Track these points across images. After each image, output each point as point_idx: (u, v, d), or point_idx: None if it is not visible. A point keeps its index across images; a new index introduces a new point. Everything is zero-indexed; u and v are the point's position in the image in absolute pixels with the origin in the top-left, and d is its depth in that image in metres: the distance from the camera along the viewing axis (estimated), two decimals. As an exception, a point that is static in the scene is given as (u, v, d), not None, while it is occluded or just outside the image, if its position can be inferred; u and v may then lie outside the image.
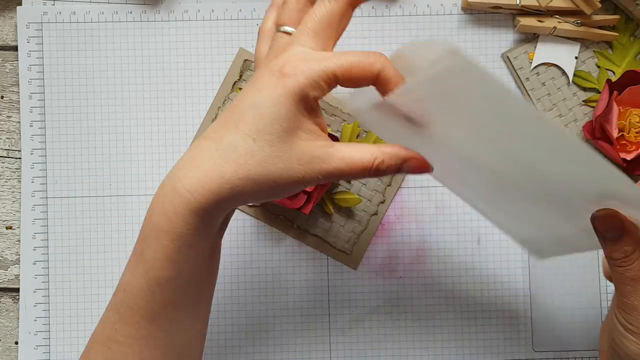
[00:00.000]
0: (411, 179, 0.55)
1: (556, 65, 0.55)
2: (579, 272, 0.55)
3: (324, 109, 0.54)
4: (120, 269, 0.55)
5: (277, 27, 0.41)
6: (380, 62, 0.37)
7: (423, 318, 0.55)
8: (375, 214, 0.55)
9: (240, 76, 0.55)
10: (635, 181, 0.55)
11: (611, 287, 0.55)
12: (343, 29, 0.41)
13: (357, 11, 0.55)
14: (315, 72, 0.36)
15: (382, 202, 0.55)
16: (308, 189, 0.51)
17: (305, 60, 0.37)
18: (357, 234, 0.55)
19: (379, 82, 0.38)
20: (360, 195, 0.54)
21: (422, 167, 0.39)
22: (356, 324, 0.55)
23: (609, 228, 0.37)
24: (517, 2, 0.53)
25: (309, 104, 0.37)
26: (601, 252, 0.56)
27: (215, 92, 0.55)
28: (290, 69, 0.36)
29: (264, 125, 0.36)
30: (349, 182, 0.54)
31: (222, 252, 0.55)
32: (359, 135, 0.54)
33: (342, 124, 0.54)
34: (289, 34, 0.40)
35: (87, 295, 0.55)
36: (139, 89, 0.55)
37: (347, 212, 0.55)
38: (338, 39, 0.40)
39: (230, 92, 0.55)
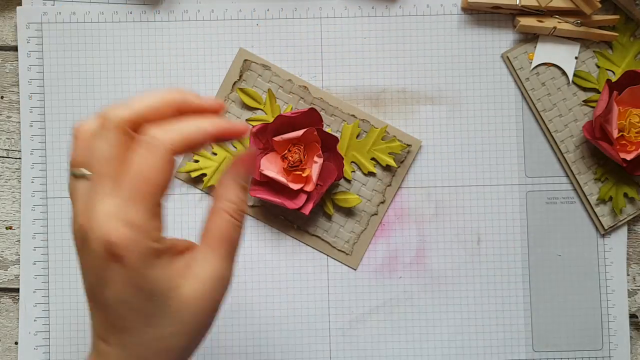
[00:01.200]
0: (411, 179, 0.55)
1: (556, 66, 0.55)
2: (579, 272, 0.55)
3: (323, 109, 0.54)
4: (120, 269, 0.55)
5: (73, 170, 0.33)
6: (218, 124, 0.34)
7: (423, 318, 0.55)
8: (375, 214, 0.55)
9: (240, 76, 0.55)
10: (636, 181, 0.56)
11: (611, 287, 0.55)
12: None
13: (357, 11, 0.55)
14: (142, 231, 0.32)
15: (382, 202, 0.55)
16: (307, 189, 0.51)
17: (119, 224, 0.31)
18: (357, 234, 0.55)
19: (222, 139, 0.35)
20: (360, 196, 0.54)
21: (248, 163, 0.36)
22: (356, 324, 0.55)
23: None
24: (517, 2, 0.53)
25: (156, 250, 0.33)
26: (601, 253, 0.57)
27: (215, 92, 0.55)
28: (117, 248, 0.31)
29: (145, 310, 0.33)
30: (348, 182, 0.54)
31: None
32: (359, 135, 0.54)
33: (342, 124, 0.54)
34: (86, 178, 0.33)
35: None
36: (139, 89, 0.55)
37: (347, 212, 0.55)
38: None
39: (230, 92, 0.55)
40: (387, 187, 0.54)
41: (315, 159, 0.52)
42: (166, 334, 0.33)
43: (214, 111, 0.35)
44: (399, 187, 0.55)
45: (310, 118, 0.51)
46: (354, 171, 0.54)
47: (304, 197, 0.52)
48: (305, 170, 0.52)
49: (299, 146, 0.52)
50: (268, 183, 0.52)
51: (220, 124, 0.34)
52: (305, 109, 0.51)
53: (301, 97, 0.55)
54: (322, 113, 0.54)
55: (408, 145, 0.54)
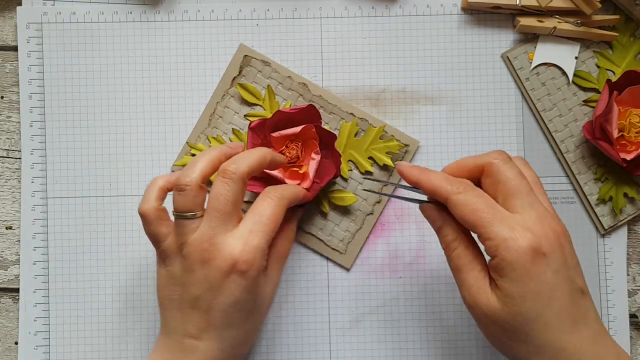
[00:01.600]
0: (411, 179, 0.55)
1: (556, 65, 0.55)
2: (579, 272, 0.55)
3: (322, 107, 0.54)
4: (119, 268, 0.55)
5: (180, 214, 0.44)
6: (270, 155, 0.47)
7: (423, 318, 0.55)
8: (371, 213, 0.55)
9: (240, 72, 0.55)
10: (636, 181, 0.56)
11: (611, 287, 0.55)
12: (244, 198, 0.46)
13: (357, 11, 0.55)
14: (261, 249, 0.43)
15: (378, 202, 0.55)
16: (304, 186, 0.51)
17: (245, 245, 0.43)
18: (352, 233, 0.55)
19: (270, 168, 0.49)
20: (356, 194, 0.54)
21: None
22: (356, 324, 0.55)
23: (429, 219, 0.45)
24: (517, 2, 0.54)
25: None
26: (601, 253, 0.57)
27: (214, 91, 0.55)
28: (243, 264, 0.43)
29: (247, 311, 0.45)
30: (345, 180, 0.54)
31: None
32: (357, 134, 0.54)
33: (341, 122, 0.54)
34: (197, 218, 0.44)
35: (87, 296, 0.55)
36: (139, 89, 0.55)
37: (343, 211, 0.55)
38: (242, 206, 0.46)
39: (230, 87, 0.55)
40: (383, 187, 0.54)
41: (313, 155, 0.52)
42: (253, 326, 0.46)
43: (240, 152, 0.48)
44: (395, 188, 0.55)
45: (309, 114, 0.51)
46: (351, 170, 0.54)
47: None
48: (303, 167, 0.52)
49: (296, 142, 0.52)
50: (265, 179, 0.52)
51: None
52: (304, 105, 0.51)
53: (300, 94, 0.55)
54: (320, 110, 0.54)
55: (406, 145, 0.54)
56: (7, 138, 0.56)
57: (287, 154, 0.52)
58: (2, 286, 0.55)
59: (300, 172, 0.52)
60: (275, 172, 0.51)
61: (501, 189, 0.41)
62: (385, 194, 0.52)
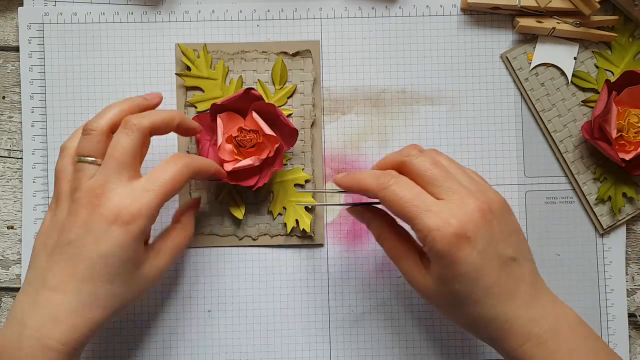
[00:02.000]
0: (411, 179, 0.55)
1: (555, 66, 0.55)
2: (578, 272, 0.55)
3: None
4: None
5: (79, 157, 0.44)
6: (179, 117, 0.47)
7: (423, 318, 0.55)
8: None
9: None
10: (634, 181, 0.56)
11: (610, 286, 0.55)
12: (145, 154, 0.47)
13: (357, 11, 0.55)
14: (151, 207, 0.43)
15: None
16: (275, 145, 0.51)
17: (135, 200, 0.42)
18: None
19: (180, 131, 0.48)
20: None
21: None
22: (356, 324, 0.55)
23: (357, 219, 0.50)
24: (517, 3, 0.54)
25: (148, 233, 0.45)
26: (600, 252, 0.57)
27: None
28: (127, 215, 0.42)
29: (115, 270, 0.43)
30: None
31: (221, 250, 0.55)
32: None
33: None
34: (97, 164, 0.44)
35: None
36: (139, 89, 0.55)
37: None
38: (142, 162, 0.46)
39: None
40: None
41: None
42: (116, 292, 0.43)
43: (157, 104, 0.49)
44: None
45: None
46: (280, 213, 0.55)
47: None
48: (259, 138, 0.52)
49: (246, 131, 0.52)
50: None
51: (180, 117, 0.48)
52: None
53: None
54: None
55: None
56: (9, 138, 0.56)
57: (242, 140, 0.51)
58: (4, 285, 0.55)
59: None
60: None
61: (420, 182, 0.43)
62: (337, 204, 0.53)
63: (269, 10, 0.56)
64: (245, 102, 0.51)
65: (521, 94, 0.56)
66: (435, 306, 0.45)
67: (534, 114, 0.55)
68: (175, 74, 0.54)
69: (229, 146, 0.52)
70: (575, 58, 0.55)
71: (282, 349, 0.55)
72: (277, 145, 0.51)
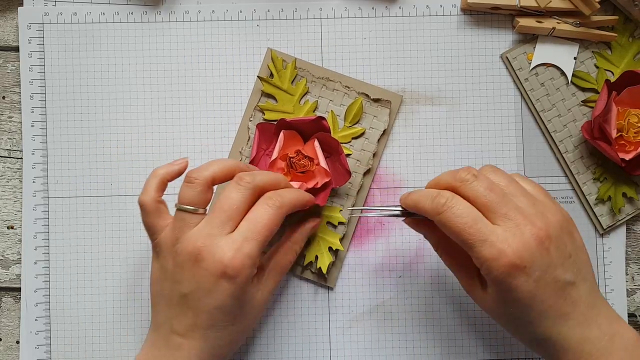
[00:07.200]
0: (411, 179, 0.55)
1: (555, 66, 0.55)
2: (578, 272, 0.55)
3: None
4: (120, 268, 0.55)
5: (180, 206, 0.45)
6: (285, 182, 0.48)
7: (423, 317, 0.55)
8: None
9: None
10: (634, 181, 0.56)
11: (610, 287, 0.55)
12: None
13: (357, 11, 0.55)
14: (253, 257, 0.43)
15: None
16: (325, 181, 0.51)
17: (237, 252, 0.43)
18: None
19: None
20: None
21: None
22: (356, 324, 0.55)
23: (415, 230, 0.49)
24: (517, 3, 0.54)
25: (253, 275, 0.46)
26: (600, 252, 0.57)
27: (214, 91, 0.55)
28: (232, 270, 0.43)
29: (233, 314, 0.45)
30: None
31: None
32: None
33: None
34: (197, 214, 0.45)
35: (88, 295, 0.55)
36: (140, 89, 0.55)
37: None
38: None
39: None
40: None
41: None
42: (239, 329, 0.46)
43: None
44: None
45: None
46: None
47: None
48: (313, 166, 0.52)
49: (302, 154, 0.52)
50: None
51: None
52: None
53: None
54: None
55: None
56: (9, 138, 0.56)
57: (297, 164, 0.51)
58: (4, 285, 0.55)
59: (312, 169, 0.52)
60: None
61: (476, 206, 0.42)
62: (368, 214, 0.53)
63: (269, 10, 0.56)
64: (312, 128, 0.52)
65: (521, 94, 0.56)
66: (495, 319, 0.45)
67: (534, 114, 0.55)
68: (258, 76, 0.54)
69: (282, 163, 0.52)
70: (575, 58, 0.55)
71: (282, 348, 0.55)
72: (326, 180, 0.51)
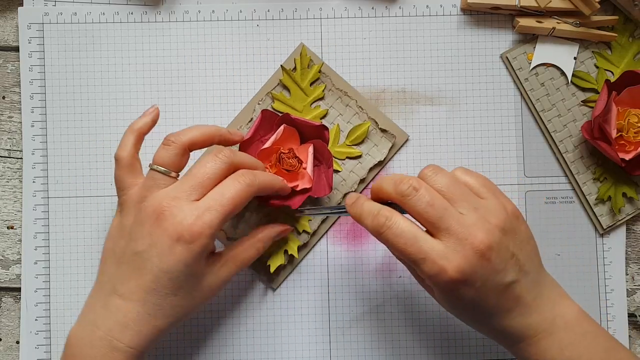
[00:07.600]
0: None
1: (555, 66, 0.55)
2: (578, 272, 0.55)
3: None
4: (121, 268, 0.55)
5: (154, 166, 0.46)
6: (262, 168, 0.49)
7: (422, 317, 0.55)
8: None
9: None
10: (634, 181, 0.56)
11: (610, 286, 0.55)
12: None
13: (357, 11, 0.55)
14: (213, 227, 0.43)
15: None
16: (306, 185, 0.51)
17: (197, 219, 0.43)
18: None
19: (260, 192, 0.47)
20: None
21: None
22: (356, 324, 0.55)
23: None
24: (517, 3, 0.54)
25: (211, 247, 0.46)
26: (600, 252, 0.57)
27: (214, 92, 0.55)
28: (189, 235, 0.43)
29: (179, 284, 0.44)
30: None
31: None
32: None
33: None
34: (168, 176, 0.45)
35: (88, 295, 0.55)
36: (140, 89, 0.55)
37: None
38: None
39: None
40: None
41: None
42: (180, 304, 0.45)
43: (238, 142, 0.50)
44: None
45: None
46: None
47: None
48: (300, 167, 0.51)
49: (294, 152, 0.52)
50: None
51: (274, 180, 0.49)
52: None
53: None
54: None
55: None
56: (9, 138, 0.56)
57: (287, 160, 0.51)
58: (4, 285, 0.55)
59: (297, 171, 0.51)
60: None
61: (420, 222, 0.43)
62: (328, 213, 0.52)
63: (269, 10, 0.56)
64: (313, 133, 0.52)
65: (521, 94, 0.56)
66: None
67: (534, 114, 0.55)
68: (281, 65, 0.54)
69: (271, 155, 0.52)
70: (575, 58, 0.55)
71: (282, 348, 0.55)
72: (307, 187, 0.51)
